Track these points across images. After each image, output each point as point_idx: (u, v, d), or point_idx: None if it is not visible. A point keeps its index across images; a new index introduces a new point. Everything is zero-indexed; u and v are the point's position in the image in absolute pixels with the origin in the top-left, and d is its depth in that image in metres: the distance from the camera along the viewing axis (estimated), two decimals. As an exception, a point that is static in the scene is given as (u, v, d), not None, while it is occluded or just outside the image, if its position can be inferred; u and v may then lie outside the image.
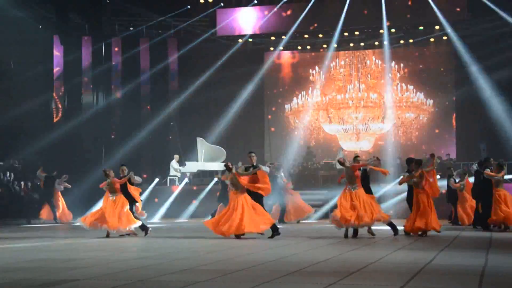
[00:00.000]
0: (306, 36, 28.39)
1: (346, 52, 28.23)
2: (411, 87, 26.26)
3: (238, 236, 12.90)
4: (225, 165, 13.54)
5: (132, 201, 14.28)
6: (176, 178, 24.33)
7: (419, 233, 13.59)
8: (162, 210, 22.53)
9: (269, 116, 29.82)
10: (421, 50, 28.46)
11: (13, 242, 12.60)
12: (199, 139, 25.20)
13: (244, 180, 13.22)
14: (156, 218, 21.86)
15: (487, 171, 15.20)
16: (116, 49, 28.34)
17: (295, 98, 27.69)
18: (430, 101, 26.23)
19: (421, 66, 28.39)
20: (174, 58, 28.85)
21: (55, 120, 27.48)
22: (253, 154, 13.63)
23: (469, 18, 26.04)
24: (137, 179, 14.72)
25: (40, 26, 26.81)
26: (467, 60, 25.96)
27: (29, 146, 25.13)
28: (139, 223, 13.95)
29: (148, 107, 28.59)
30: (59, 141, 25.57)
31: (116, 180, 14.04)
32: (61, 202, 21.16)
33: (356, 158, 13.70)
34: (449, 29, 26.01)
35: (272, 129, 29.82)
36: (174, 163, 24.35)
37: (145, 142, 27.45)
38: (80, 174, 23.36)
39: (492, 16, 25.04)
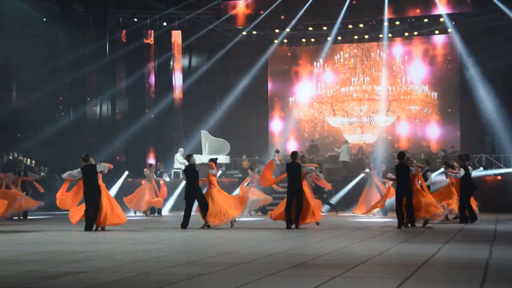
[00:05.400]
0: (310, 28, 28.30)
1: (350, 44, 28.14)
2: (415, 80, 26.19)
3: None
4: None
5: None
6: (180, 171, 24.34)
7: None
8: (170, 203, 22.51)
9: (273, 109, 29.75)
10: (426, 43, 28.34)
11: (17, 235, 12.65)
12: (203, 132, 25.19)
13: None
14: (165, 211, 21.87)
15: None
16: (121, 41, 28.33)
17: (299, 91, 27.60)
18: (435, 94, 26.17)
19: (425, 58, 28.29)
20: (179, 50, 28.81)
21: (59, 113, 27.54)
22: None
23: (473, 10, 25.93)
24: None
25: (44, 19, 26.78)
26: (471, 52, 25.90)
27: (33, 138, 25.19)
28: None
29: (153, 96, 28.59)
30: (64, 134, 25.64)
31: None
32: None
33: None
34: (453, 21, 25.94)
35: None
36: (178, 156, 24.37)
37: (149, 135, 27.47)
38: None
39: (495, 8, 24.94)
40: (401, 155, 14.52)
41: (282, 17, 27.72)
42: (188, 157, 14.74)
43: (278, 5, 27.08)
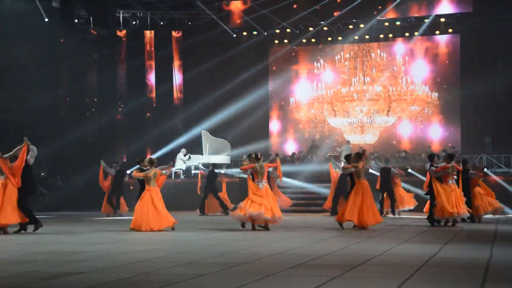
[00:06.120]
0: (311, 28, 28.28)
1: (351, 45, 28.12)
2: (416, 80, 26.18)
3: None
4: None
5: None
6: (181, 170, 24.43)
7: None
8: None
9: (273, 109, 29.72)
10: (427, 43, 28.32)
11: (17, 235, 12.64)
12: (203, 132, 25.21)
13: None
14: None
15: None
16: (121, 40, 28.38)
17: (299, 92, 27.57)
18: (435, 94, 26.15)
19: (426, 58, 28.26)
20: (178, 50, 28.82)
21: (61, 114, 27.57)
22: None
23: (474, 10, 25.92)
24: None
25: (46, 19, 26.76)
26: (472, 52, 25.89)
27: (33, 139, 25.13)
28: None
29: (153, 95, 28.58)
30: (64, 135, 25.65)
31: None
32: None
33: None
34: (454, 21, 25.97)
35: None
36: (181, 156, 24.41)
37: (149, 135, 27.51)
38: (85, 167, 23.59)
39: (497, 8, 24.94)
40: (431, 157, 15.13)
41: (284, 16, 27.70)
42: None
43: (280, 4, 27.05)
